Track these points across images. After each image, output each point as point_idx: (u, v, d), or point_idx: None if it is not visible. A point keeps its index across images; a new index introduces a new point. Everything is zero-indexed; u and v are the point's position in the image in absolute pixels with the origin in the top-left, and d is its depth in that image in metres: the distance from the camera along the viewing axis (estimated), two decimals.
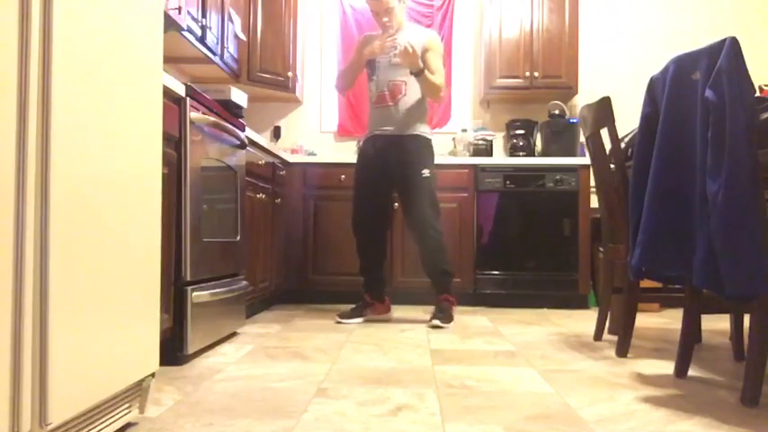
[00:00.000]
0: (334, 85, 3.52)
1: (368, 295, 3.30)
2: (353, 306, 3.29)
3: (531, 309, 3.89)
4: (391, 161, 3.21)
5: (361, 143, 3.39)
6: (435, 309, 3.18)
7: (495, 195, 3.99)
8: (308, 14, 4.64)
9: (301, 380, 1.92)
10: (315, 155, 4.36)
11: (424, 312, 3.47)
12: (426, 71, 3.11)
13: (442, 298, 3.23)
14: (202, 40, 3.16)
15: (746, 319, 2.10)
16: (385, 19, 3.22)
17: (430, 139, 3.29)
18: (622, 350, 2.34)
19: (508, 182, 3.97)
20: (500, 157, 4.37)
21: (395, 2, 3.21)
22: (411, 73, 3.12)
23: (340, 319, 3.16)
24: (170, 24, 2.68)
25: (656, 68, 2.09)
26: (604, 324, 2.73)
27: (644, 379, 1.98)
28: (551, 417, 1.55)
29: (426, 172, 3.20)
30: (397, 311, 3.61)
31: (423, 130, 3.26)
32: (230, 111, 2.85)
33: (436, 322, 3.06)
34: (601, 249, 3.48)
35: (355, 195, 3.31)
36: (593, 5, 4.61)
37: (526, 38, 4.24)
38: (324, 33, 4.69)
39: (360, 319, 3.21)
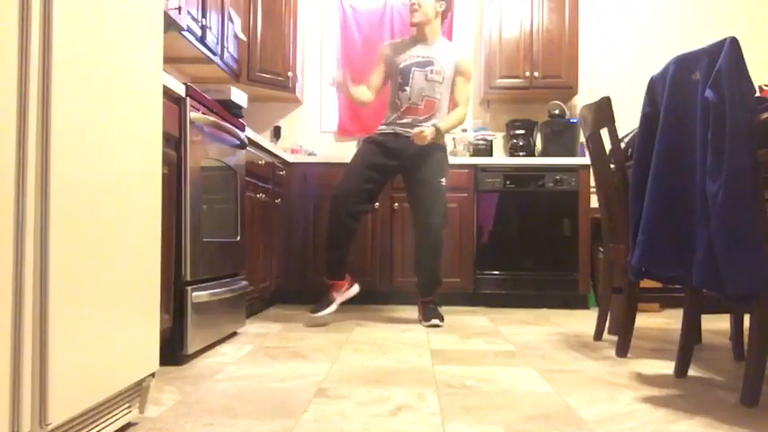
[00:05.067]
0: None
1: (326, 278, 3.21)
2: (319, 300, 3.15)
3: (531, 309, 3.89)
4: (412, 163, 3.21)
5: (374, 134, 3.34)
6: (425, 310, 3.18)
7: (495, 195, 3.99)
8: (307, 14, 4.64)
9: (301, 380, 1.92)
10: (315, 155, 4.36)
11: None
12: (440, 124, 3.17)
13: (428, 300, 3.24)
14: (202, 40, 3.16)
15: (746, 319, 2.10)
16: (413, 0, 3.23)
17: (446, 149, 3.34)
18: (622, 350, 2.34)
19: (508, 182, 3.97)
20: (500, 157, 4.37)
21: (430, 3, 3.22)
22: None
23: (312, 315, 3.03)
24: (170, 24, 2.67)
25: (656, 68, 2.09)
26: (604, 324, 2.73)
27: (644, 379, 1.98)
28: (551, 417, 1.55)
29: (444, 181, 3.24)
30: (397, 311, 3.61)
31: (443, 141, 3.31)
32: (230, 111, 2.85)
33: (435, 321, 3.08)
34: (601, 249, 3.48)
35: (349, 173, 3.21)
36: (593, 5, 4.61)
37: (526, 38, 4.24)
38: (324, 33, 4.69)
39: (333, 307, 3.11)
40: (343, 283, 3.23)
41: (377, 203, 3.35)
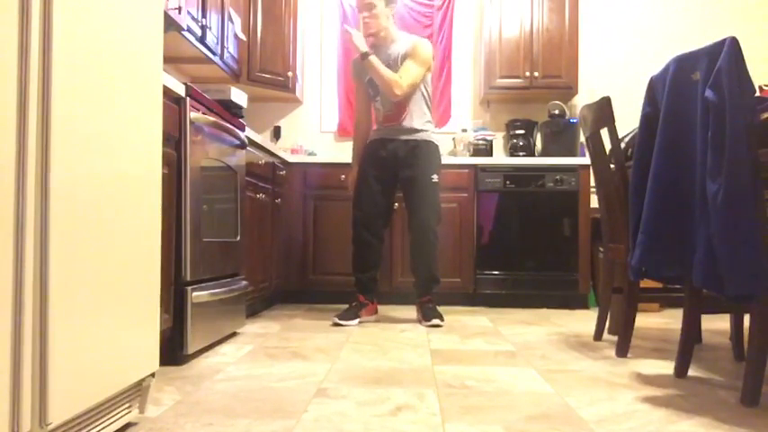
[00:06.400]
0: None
1: (362, 296, 3.27)
2: (348, 306, 3.25)
3: (531, 309, 3.89)
4: (402, 163, 3.24)
5: (367, 144, 3.39)
6: (424, 310, 3.19)
7: (495, 195, 3.99)
8: (308, 14, 4.64)
9: (301, 380, 1.92)
10: (315, 155, 4.36)
11: None
12: (374, 60, 3.13)
13: (426, 299, 3.24)
14: (202, 40, 3.16)
15: (746, 319, 2.10)
16: (365, 14, 3.21)
17: (438, 146, 3.34)
18: (622, 350, 2.34)
19: (508, 182, 3.97)
20: (500, 157, 4.37)
21: (380, 4, 3.19)
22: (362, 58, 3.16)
23: (338, 321, 3.10)
24: (170, 24, 2.67)
25: (656, 68, 2.09)
26: (604, 324, 2.73)
27: (644, 379, 1.98)
28: (551, 417, 1.55)
29: (435, 177, 3.24)
30: (397, 311, 3.61)
31: (431, 136, 3.31)
32: (230, 111, 2.85)
33: (436, 321, 3.07)
34: (601, 249, 3.48)
35: (360, 194, 3.29)
36: (593, 5, 4.61)
37: (526, 38, 4.24)
38: (324, 33, 4.69)
39: (356, 321, 3.16)
40: (371, 309, 3.31)
41: (395, 204, 3.41)
